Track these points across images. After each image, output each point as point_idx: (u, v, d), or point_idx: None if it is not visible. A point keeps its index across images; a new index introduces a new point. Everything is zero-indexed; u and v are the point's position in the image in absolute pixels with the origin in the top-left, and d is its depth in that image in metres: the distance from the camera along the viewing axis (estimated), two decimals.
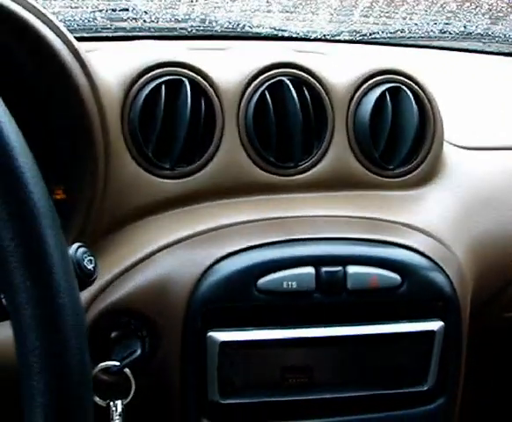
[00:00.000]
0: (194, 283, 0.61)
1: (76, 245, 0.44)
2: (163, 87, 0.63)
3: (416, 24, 1.00)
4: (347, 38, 0.96)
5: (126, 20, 0.90)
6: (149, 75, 0.64)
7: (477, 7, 1.02)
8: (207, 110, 0.65)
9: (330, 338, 0.63)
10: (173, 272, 0.61)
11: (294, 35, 0.94)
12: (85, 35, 0.86)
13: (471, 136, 0.78)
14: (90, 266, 0.44)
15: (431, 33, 1.01)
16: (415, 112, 0.69)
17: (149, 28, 0.90)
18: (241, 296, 0.61)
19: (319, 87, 0.68)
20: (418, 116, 0.69)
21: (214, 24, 0.92)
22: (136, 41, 0.78)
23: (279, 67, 0.67)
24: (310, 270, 0.62)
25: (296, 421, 0.65)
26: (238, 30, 0.93)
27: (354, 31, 0.97)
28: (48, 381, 0.34)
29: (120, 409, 0.61)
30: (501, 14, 1.03)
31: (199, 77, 0.65)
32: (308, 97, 0.67)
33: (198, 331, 0.61)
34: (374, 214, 0.67)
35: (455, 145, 0.76)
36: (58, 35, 0.57)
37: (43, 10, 0.56)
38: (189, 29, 0.92)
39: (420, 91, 0.70)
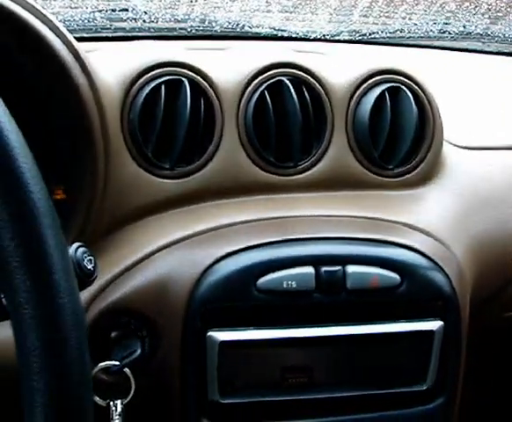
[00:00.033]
0: (194, 283, 0.61)
1: (75, 245, 0.44)
2: (162, 87, 0.63)
3: (415, 24, 1.00)
4: (346, 38, 0.96)
5: (125, 20, 0.90)
6: (149, 75, 0.64)
7: (476, 7, 1.02)
8: (206, 110, 0.65)
9: (329, 337, 0.63)
10: (173, 271, 0.61)
11: (293, 35, 0.94)
12: (85, 35, 0.86)
13: (470, 136, 0.78)
14: (90, 266, 0.44)
15: (430, 33, 1.01)
16: (415, 111, 0.69)
17: (149, 28, 0.90)
18: (241, 296, 0.61)
19: (319, 87, 0.68)
20: (417, 116, 0.69)
21: (213, 24, 0.92)
22: (136, 41, 0.78)
23: (278, 67, 0.67)
24: (309, 269, 0.62)
25: (295, 421, 0.65)
26: (238, 30, 0.93)
27: (354, 31, 0.97)
28: (48, 380, 0.34)
29: (119, 409, 0.61)
30: (501, 14, 1.03)
31: (198, 77, 0.65)
32: (307, 97, 0.67)
33: (198, 330, 0.61)
34: (373, 213, 0.68)
35: (454, 145, 0.76)
36: (58, 35, 0.57)
37: (43, 11, 0.56)
38: (189, 29, 0.92)
39: (420, 91, 0.70)
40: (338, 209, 0.67)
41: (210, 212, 0.65)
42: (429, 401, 0.67)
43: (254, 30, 0.94)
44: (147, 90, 0.63)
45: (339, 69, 0.71)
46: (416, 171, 0.71)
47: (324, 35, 0.96)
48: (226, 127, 0.66)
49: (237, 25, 0.93)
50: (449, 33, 1.01)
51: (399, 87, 0.69)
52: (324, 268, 0.62)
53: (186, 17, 0.93)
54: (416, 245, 0.65)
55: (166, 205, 0.65)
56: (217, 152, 0.65)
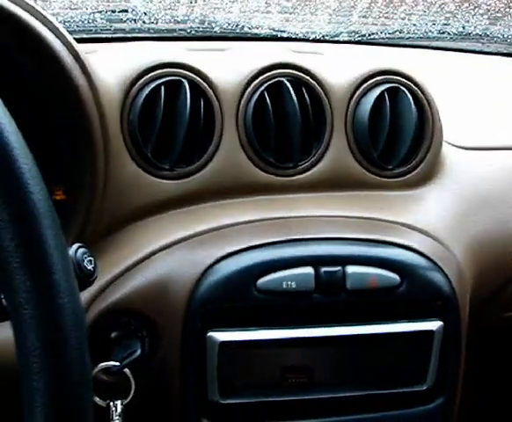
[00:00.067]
0: (194, 283, 0.61)
1: (75, 246, 0.44)
2: (162, 88, 0.63)
3: (415, 24, 1.00)
4: (345, 38, 0.97)
5: (125, 21, 0.90)
6: (149, 76, 0.64)
7: (475, 8, 1.02)
8: (206, 111, 0.65)
9: (329, 337, 0.63)
10: (173, 272, 0.62)
11: (293, 36, 0.94)
12: (85, 37, 0.86)
13: (469, 136, 0.79)
14: (90, 267, 0.44)
15: (430, 34, 1.01)
16: (414, 112, 0.69)
17: (149, 29, 0.90)
18: (241, 296, 0.61)
19: (318, 88, 0.68)
20: (417, 116, 0.69)
21: (213, 25, 0.92)
22: (136, 42, 0.78)
23: (278, 67, 0.67)
24: (309, 270, 0.62)
25: (295, 421, 0.65)
26: (237, 31, 0.93)
27: (353, 31, 0.97)
28: (48, 381, 0.34)
29: (119, 409, 0.61)
30: (500, 15, 1.03)
31: (198, 78, 0.65)
32: (307, 97, 0.67)
33: (198, 331, 0.61)
34: (373, 214, 0.68)
35: (453, 145, 0.76)
36: (58, 36, 0.57)
37: (43, 12, 0.56)
38: (188, 30, 0.92)
39: (419, 92, 0.70)
40: (337, 210, 0.67)
41: (210, 212, 0.65)
42: (429, 401, 0.67)
43: (254, 31, 0.94)
44: (147, 90, 0.63)
45: (338, 69, 0.71)
46: (416, 172, 0.71)
47: (323, 36, 0.96)
48: (226, 128, 0.66)
49: (237, 25, 0.93)
50: (449, 34, 1.01)
51: (399, 88, 0.69)
52: (323, 268, 0.62)
53: (186, 18, 0.93)
54: (416, 245, 0.65)
55: (166, 205, 0.65)
56: (217, 153, 0.65)
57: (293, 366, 0.64)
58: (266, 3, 0.98)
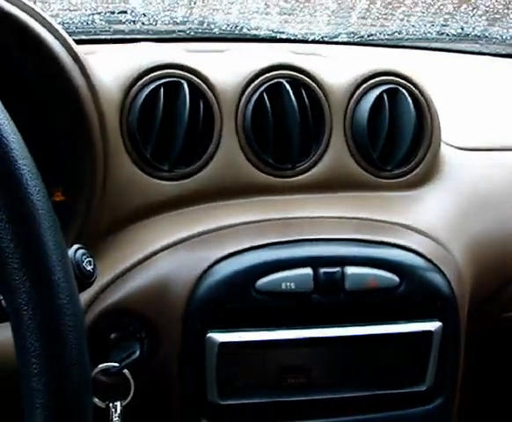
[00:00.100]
0: (193, 284, 0.61)
1: (75, 247, 0.44)
2: (161, 89, 0.63)
3: (413, 25, 1.00)
4: (344, 40, 0.97)
5: (124, 23, 0.90)
6: (148, 77, 0.64)
7: (474, 9, 1.03)
8: (205, 112, 0.65)
9: (328, 338, 0.63)
10: (172, 273, 0.62)
11: (292, 37, 0.95)
12: (84, 38, 0.86)
13: (468, 137, 0.79)
14: (89, 268, 0.44)
15: (428, 35, 1.01)
16: (413, 113, 0.69)
17: (148, 30, 0.91)
18: (240, 297, 0.61)
19: (317, 89, 0.68)
20: (415, 117, 0.69)
21: (212, 26, 0.93)
22: (135, 43, 0.78)
23: (277, 69, 0.67)
24: (308, 271, 0.62)
25: (294, 421, 0.65)
26: (237, 32, 0.93)
27: (352, 33, 0.98)
28: (48, 382, 0.34)
29: (119, 410, 0.61)
30: (498, 16, 1.04)
31: (197, 79, 0.65)
32: (306, 98, 0.67)
33: (197, 331, 0.61)
34: (372, 214, 0.68)
35: (452, 146, 0.76)
36: (57, 38, 0.57)
37: (42, 13, 0.56)
38: (187, 31, 0.92)
39: (418, 93, 0.70)
40: (336, 210, 0.68)
41: (209, 213, 0.66)
42: (428, 401, 0.67)
43: (253, 32, 0.94)
44: (146, 91, 0.63)
45: (337, 70, 0.71)
46: (414, 173, 0.71)
47: (322, 37, 0.96)
48: (225, 129, 0.66)
49: (236, 27, 0.93)
50: (447, 35, 1.01)
51: (398, 89, 0.69)
52: (322, 269, 0.62)
53: (185, 19, 0.93)
54: (415, 246, 0.66)
55: (165, 206, 0.65)
56: (216, 154, 0.66)
57: (292, 366, 0.64)
58: (265, 4, 0.99)
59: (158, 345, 0.62)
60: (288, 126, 0.66)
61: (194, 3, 0.95)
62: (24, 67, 0.57)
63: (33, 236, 0.34)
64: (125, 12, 0.90)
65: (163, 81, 0.64)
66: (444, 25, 1.02)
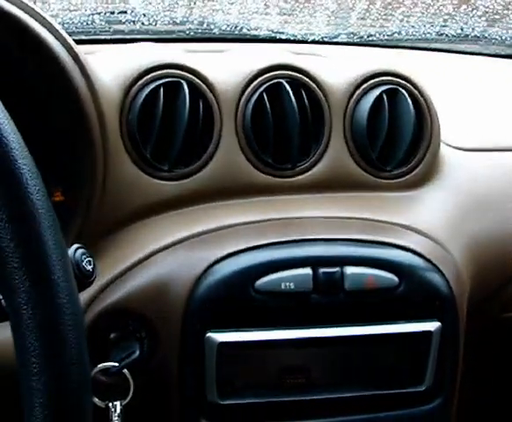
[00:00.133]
0: (193, 284, 0.61)
1: (75, 246, 0.44)
2: (161, 89, 0.63)
3: (413, 26, 1.01)
4: (344, 40, 0.97)
5: (124, 23, 0.90)
6: (148, 77, 0.64)
7: (473, 9, 1.03)
8: (205, 112, 0.65)
9: (327, 338, 0.63)
10: (172, 273, 0.62)
11: (291, 38, 0.95)
12: (84, 38, 0.86)
13: (468, 137, 0.79)
14: (89, 267, 0.44)
15: (428, 36, 1.01)
16: (412, 113, 0.69)
17: (148, 31, 0.91)
18: (239, 297, 0.61)
19: (317, 89, 0.68)
20: (415, 118, 0.69)
21: (212, 26, 0.93)
22: (135, 43, 0.79)
23: (277, 69, 0.67)
24: (307, 271, 0.62)
25: (293, 421, 0.65)
26: (236, 32, 0.93)
27: (352, 33, 0.98)
28: (47, 381, 0.34)
29: (118, 410, 0.61)
30: (498, 16, 1.04)
31: (197, 79, 0.65)
32: (306, 99, 0.67)
33: (196, 331, 0.61)
34: (371, 215, 0.68)
35: (452, 146, 0.76)
36: (57, 38, 0.57)
37: (42, 13, 0.57)
38: (187, 32, 0.92)
39: (418, 93, 0.70)
40: (336, 211, 0.68)
41: (209, 213, 0.66)
42: (428, 401, 0.67)
43: (253, 32, 0.94)
44: (146, 91, 0.63)
45: (337, 70, 0.71)
46: (414, 173, 0.71)
47: (322, 37, 0.96)
48: (225, 129, 0.66)
49: (236, 27, 0.93)
50: (447, 36, 1.02)
51: (397, 89, 0.69)
52: (322, 269, 0.62)
53: (185, 19, 0.93)
54: (414, 246, 0.66)
55: (165, 206, 0.65)
56: (216, 154, 0.66)
57: (291, 366, 0.64)
58: (264, 4, 0.99)
59: (158, 344, 0.62)
60: (287, 126, 0.66)
61: (194, 3, 0.95)
62: (24, 67, 0.57)
63: (33, 235, 0.34)
64: (125, 12, 0.90)
65: (162, 81, 0.64)
66: (444, 26, 1.02)
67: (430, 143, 0.71)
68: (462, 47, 1.02)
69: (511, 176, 0.76)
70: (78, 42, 0.60)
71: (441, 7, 1.02)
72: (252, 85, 0.67)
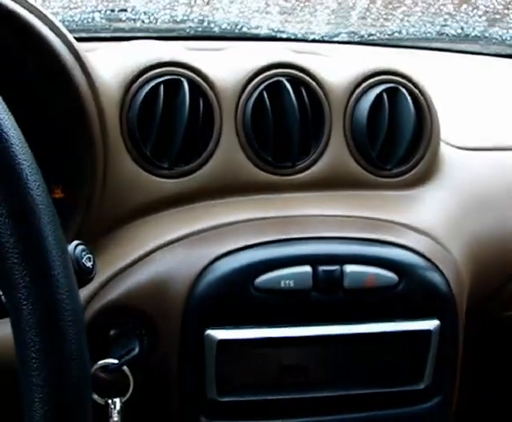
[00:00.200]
0: (193, 281, 0.61)
1: (75, 243, 0.44)
2: (161, 87, 0.63)
3: (414, 25, 1.01)
4: (344, 39, 0.97)
5: (124, 21, 0.90)
6: (148, 74, 0.64)
7: (474, 9, 1.03)
8: (205, 110, 0.65)
9: (327, 336, 0.63)
10: (172, 270, 0.62)
11: (292, 36, 0.95)
12: (84, 36, 0.86)
13: (468, 137, 0.79)
14: (88, 264, 0.44)
15: (428, 35, 1.01)
16: (412, 112, 0.69)
17: (148, 29, 0.91)
18: (239, 295, 0.61)
19: (317, 87, 0.68)
20: (415, 116, 0.69)
21: (212, 25, 0.93)
22: (135, 41, 0.79)
23: (277, 67, 0.67)
24: (307, 269, 0.62)
25: (293, 419, 0.65)
26: (237, 31, 0.93)
27: (352, 32, 0.98)
28: (47, 377, 0.34)
29: (118, 407, 0.61)
30: (498, 16, 1.04)
31: (197, 77, 0.65)
32: (306, 97, 0.67)
33: (196, 329, 0.61)
34: (371, 213, 0.68)
35: (452, 145, 0.77)
36: (58, 35, 0.57)
37: (43, 10, 0.57)
38: (188, 30, 0.92)
39: (418, 92, 0.70)
40: (336, 209, 0.68)
41: (209, 211, 0.66)
42: (427, 400, 0.67)
43: (253, 31, 0.94)
44: (146, 89, 0.63)
45: (337, 69, 0.71)
46: (414, 172, 0.71)
47: (322, 36, 0.96)
48: (225, 127, 0.66)
49: (236, 26, 0.93)
50: (447, 35, 1.02)
51: (398, 88, 0.69)
52: (321, 267, 0.62)
53: (185, 17, 0.93)
54: (413, 245, 0.66)
55: (165, 204, 0.65)
56: (216, 152, 0.66)
57: (290, 364, 0.64)
58: (265, 3, 0.99)
59: (158, 342, 0.62)
60: (287, 124, 0.66)
61: (195, 1, 0.95)
62: (25, 64, 0.57)
63: (33, 230, 0.34)
64: (125, 10, 0.90)
65: (163, 78, 0.64)
66: (444, 26, 1.02)
67: (430, 142, 0.71)
68: (462, 46, 1.02)
69: (511, 175, 0.76)
70: (79, 40, 0.60)
71: (441, 6, 1.02)
72: (253, 83, 0.67)
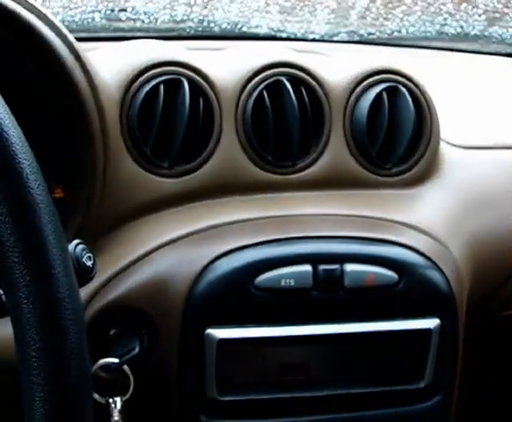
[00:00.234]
0: (193, 280, 0.61)
1: (75, 242, 0.44)
2: (161, 86, 0.63)
3: (413, 24, 1.01)
4: (344, 38, 0.97)
5: (124, 21, 0.91)
6: (148, 74, 0.64)
7: (474, 8, 1.03)
8: (205, 109, 0.65)
9: (327, 335, 0.63)
10: (172, 269, 0.62)
11: (292, 36, 0.95)
12: (84, 36, 0.86)
13: (468, 135, 0.79)
14: (89, 263, 0.44)
15: (428, 34, 1.01)
16: (412, 111, 0.69)
17: (148, 29, 0.91)
18: (239, 294, 0.61)
19: (317, 86, 0.68)
20: (415, 115, 0.69)
21: (212, 25, 0.93)
22: (135, 41, 0.79)
23: (277, 66, 0.67)
24: (307, 268, 0.62)
25: (293, 418, 0.65)
26: (237, 31, 0.93)
27: (352, 31, 0.98)
28: (47, 375, 0.34)
29: (119, 406, 0.61)
30: (498, 15, 1.04)
31: (197, 77, 0.65)
32: (306, 96, 0.67)
33: (196, 328, 0.61)
34: (371, 212, 0.68)
35: (452, 144, 0.77)
36: (58, 35, 0.57)
37: (44, 10, 0.57)
38: (188, 30, 0.92)
39: (418, 91, 0.70)
40: (336, 208, 0.68)
41: (209, 210, 0.66)
42: (427, 399, 0.67)
43: (253, 30, 0.94)
44: (146, 88, 0.63)
45: (337, 68, 0.71)
46: (414, 171, 0.71)
47: (322, 36, 0.96)
48: (225, 126, 0.66)
49: (236, 25, 0.93)
50: (447, 34, 1.02)
51: (397, 87, 0.69)
52: (322, 266, 0.62)
53: (185, 17, 0.93)
54: (413, 244, 0.66)
55: (165, 203, 0.65)
56: (216, 151, 0.66)
57: (291, 363, 0.64)
58: (265, 2, 0.99)
59: (158, 341, 0.62)
60: (287, 123, 0.66)
61: (195, 1, 0.95)
62: (25, 63, 0.57)
63: (33, 229, 0.34)
64: (125, 10, 0.90)
65: (163, 78, 0.64)
66: (444, 25, 1.02)
67: (430, 141, 0.71)
68: (462, 45, 1.02)
69: (511, 174, 0.76)
70: (79, 40, 0.60)
71: (441, 5, 1.02)
72: (253, 83, 0.67)
